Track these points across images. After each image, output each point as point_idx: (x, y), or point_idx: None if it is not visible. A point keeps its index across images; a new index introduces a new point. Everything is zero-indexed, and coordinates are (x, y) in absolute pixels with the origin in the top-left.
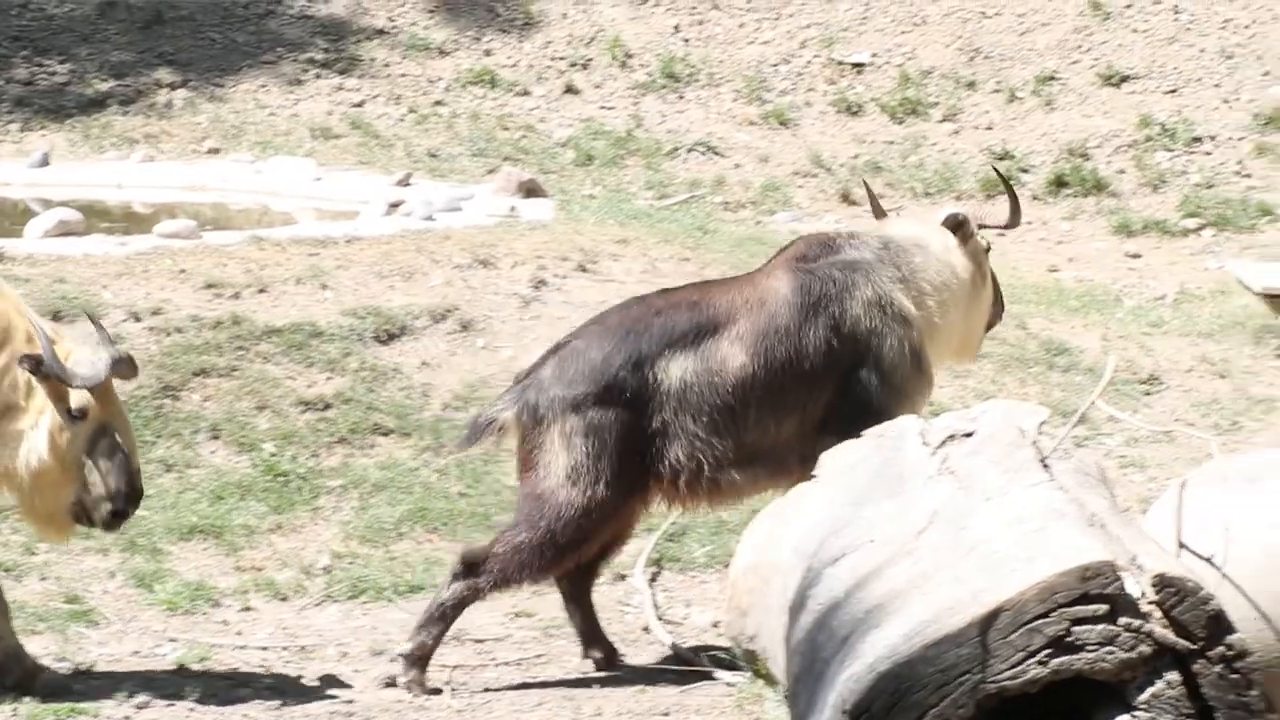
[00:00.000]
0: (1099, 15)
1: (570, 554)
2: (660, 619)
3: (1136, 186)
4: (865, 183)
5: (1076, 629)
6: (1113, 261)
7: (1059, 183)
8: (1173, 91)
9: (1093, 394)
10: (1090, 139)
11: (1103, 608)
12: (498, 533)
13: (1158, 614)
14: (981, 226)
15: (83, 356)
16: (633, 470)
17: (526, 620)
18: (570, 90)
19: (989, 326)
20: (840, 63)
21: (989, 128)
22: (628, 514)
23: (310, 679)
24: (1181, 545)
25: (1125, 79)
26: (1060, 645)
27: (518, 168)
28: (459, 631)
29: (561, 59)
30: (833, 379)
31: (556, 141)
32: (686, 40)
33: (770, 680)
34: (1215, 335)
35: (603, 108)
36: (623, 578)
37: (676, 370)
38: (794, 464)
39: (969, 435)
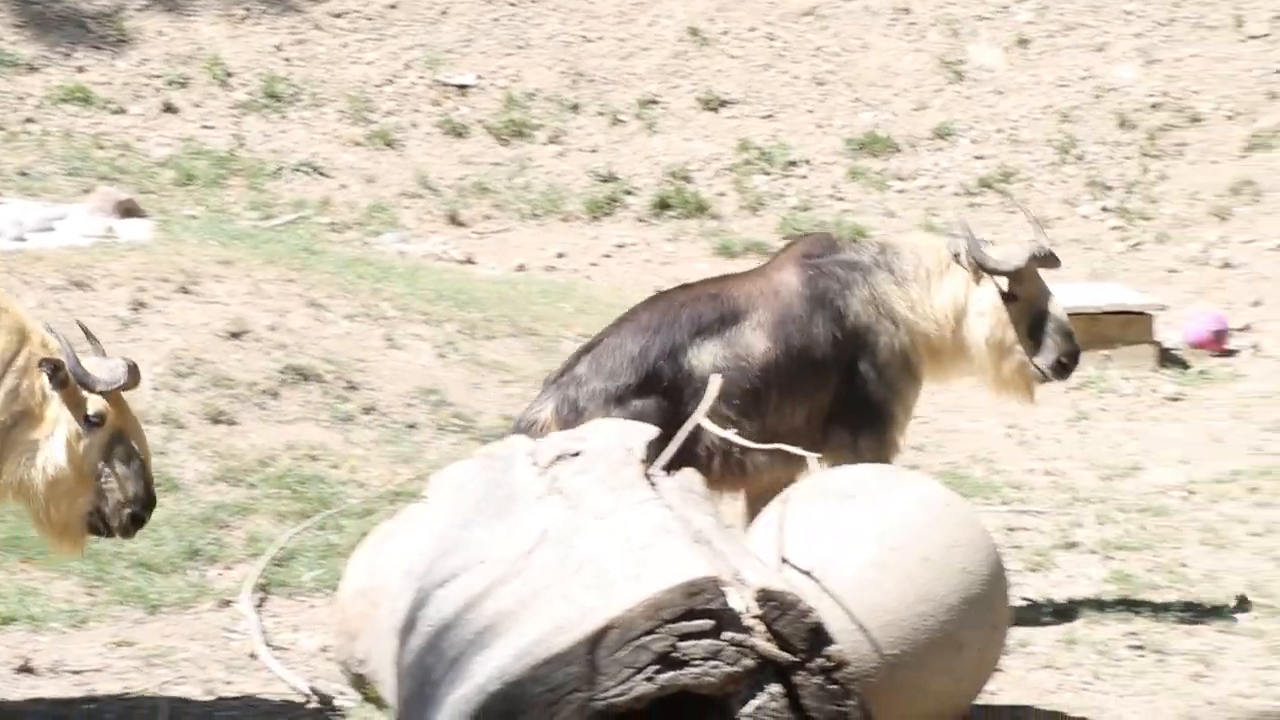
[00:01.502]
0: (697, 41)
1: None
2: (267, 645)
3: (737, 208)
4: (1014, 199)
5: (683, 644)
6: None
7: (662, 204)
8: (769, 116)
9: (697, 412)
10: (691, 162)
11: (708, 623)
12: None
13: (760, 628)
14: (988, 270)
15: (99, 361)
16: (677, 453)
17: (127, 650)
18: (169, 109)
19: (1048, 375)
20: (445, 84)
21: (594, 150)
22: None
23: None
24: (784, 560)
25: (724, 104)
26: (667, 661)
27: (114, 187)
28: (54, 663)
29: (159, 77)
30: (838, 370)
31: (155, 161)
32: (288, 59)
33: (380, 704)
34: None
35: (203, 127)
36: (228, 603)
37: (707, 356)
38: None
39: (577, 454)
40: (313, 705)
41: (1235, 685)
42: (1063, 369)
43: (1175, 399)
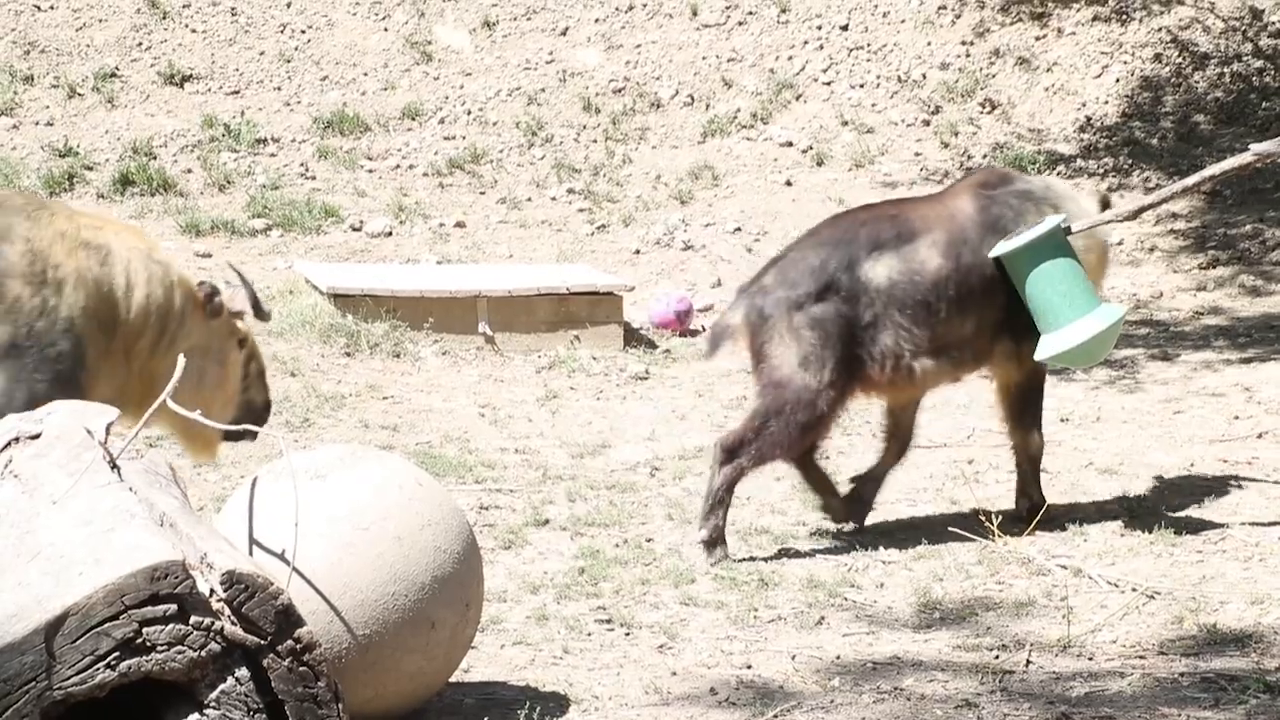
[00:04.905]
0: (157, 13)
1: (812, 432)
2: None
3: (204, 186)
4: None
5: (147, 630)
6: (183, 260)
7: (125, 181)
8: (235, 93)
9: (162, 394)
10: (155, 137)
11: (173, 608)
12: (745, 420)
13: (228, 611)
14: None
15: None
16: (852, 357)
17: None
18: None
19: None
20: None
21: (50, 124)
22: (851, 396)
23: None
24: (255, 542)
25: (188, 78)
26: (130, 647)
27: None
28: None
29: None
30: (1005, 290)
31: None
32: None
33: None
34: (285, 334)
35: None
36: None
37: (883, 269)
38: (969, 359)
39: (36, 437)
40: None
41: (699, 655)
42: None
43: (642, 378)
